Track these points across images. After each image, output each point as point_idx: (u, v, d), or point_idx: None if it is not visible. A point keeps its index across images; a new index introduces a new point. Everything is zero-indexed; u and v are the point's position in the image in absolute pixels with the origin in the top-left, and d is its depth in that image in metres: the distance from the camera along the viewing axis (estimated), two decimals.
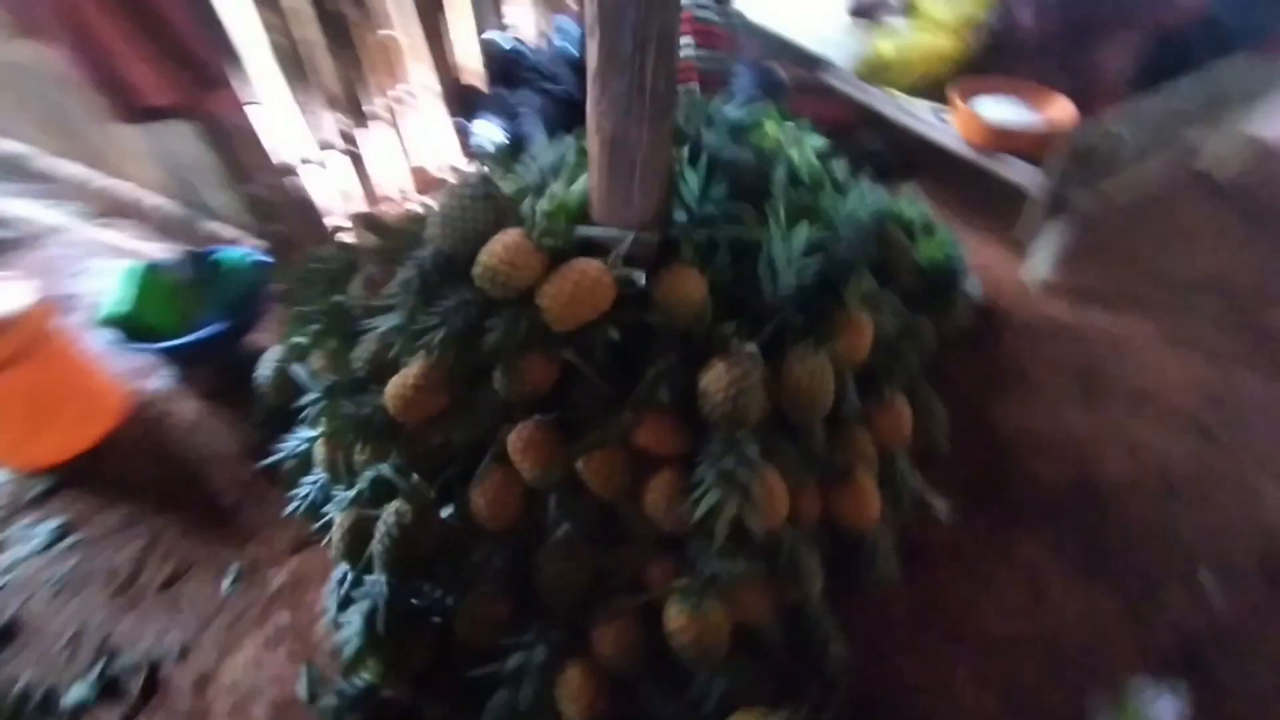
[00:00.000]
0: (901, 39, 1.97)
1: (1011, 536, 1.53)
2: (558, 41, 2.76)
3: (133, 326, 1.84)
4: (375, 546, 1.23)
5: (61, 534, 1.70)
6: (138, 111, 1.64)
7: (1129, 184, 1.92)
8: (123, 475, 1.84)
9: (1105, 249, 2.27)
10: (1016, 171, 1.84)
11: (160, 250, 2.29)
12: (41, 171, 2.70)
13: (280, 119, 2.15)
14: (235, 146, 1.89)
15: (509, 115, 2.64)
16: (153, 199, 2.39)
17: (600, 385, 1.22)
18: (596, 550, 1.27)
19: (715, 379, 1.16)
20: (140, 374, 2.04)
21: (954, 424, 1.72)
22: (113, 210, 2.59)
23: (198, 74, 1.63)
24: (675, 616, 1.16)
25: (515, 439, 1.23)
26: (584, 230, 1.20)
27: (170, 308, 1.97)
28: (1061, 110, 1.81)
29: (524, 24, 2.95)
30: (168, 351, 1.88)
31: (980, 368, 1.91)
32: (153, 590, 1.56)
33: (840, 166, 1.54)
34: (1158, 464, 1.65)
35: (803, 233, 1.28)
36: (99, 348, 1.94)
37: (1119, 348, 1.93)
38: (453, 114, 2.75)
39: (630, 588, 1.26)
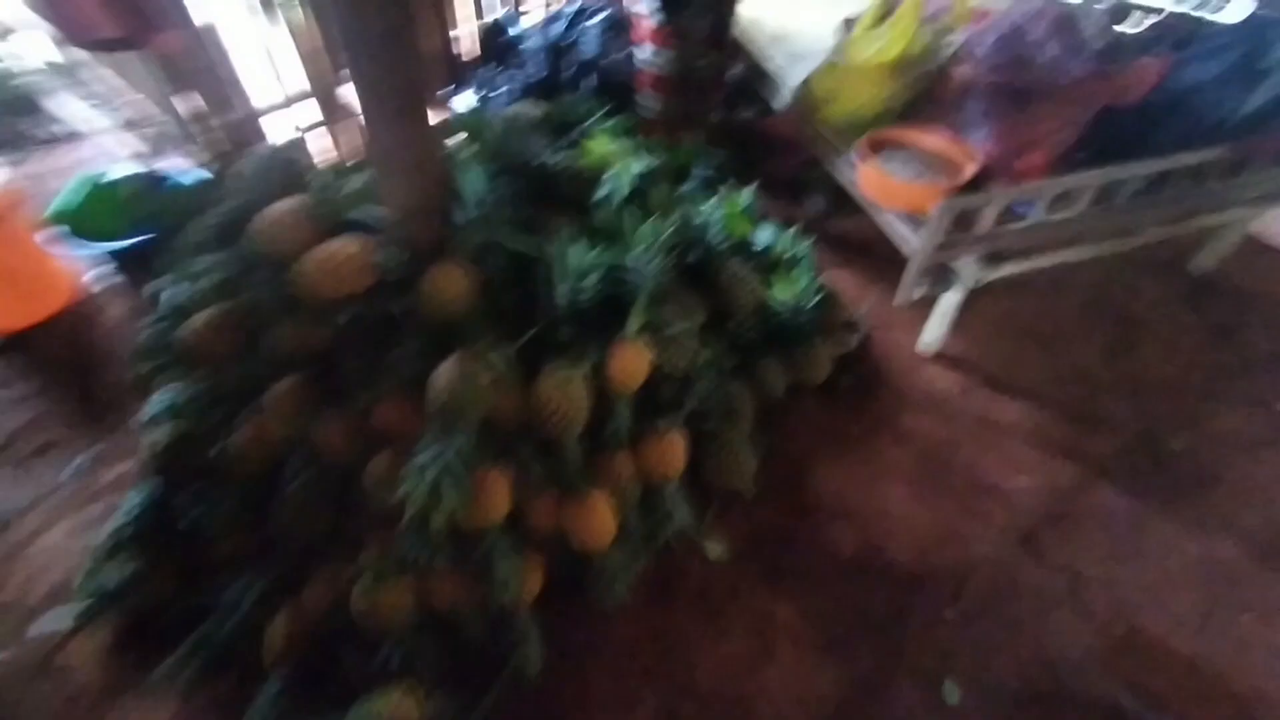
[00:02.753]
0: (838, 75, 1.89)
1: (769, 595, 1.50)
2: (555, 25, 2.81)
3: (78, 227, 2.06)
4: (146, 455, 1.38)
5: None
6: (90, 42, 1.84)
7: (1034, 262, 1.79)
8: (47, 354, 2.10)
9: (1005, 325, 2.13)
10: (897, 231, 1.75)
11: (162, 163, 2.55)
12: (90, 79, 3.05)
13: (254, 66, 2.32)
14: (192, 81, 2.07)
15: (482, 91, 2.74)
16: (159, 116, 2.65)
17: (348, 359, 1.30)
18: (326, 510, 1.36)
19: (442, 373, 1.21)
20: (89, 273, 2.30)
21: (774, 472, 1.70)
22: (135, 121, 2.89)
23: (141, 14, 1.81)
24: (359, 588, 1.24)
25: (273, 392, 1.34)
26: (357, 211, 1.27)
27: (119, 216, 2.19)
28: (967, 173, 1.70)
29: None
30: (109, 254, 2.10)
31: (829, 422, 1.86)
32: (17, 459, 1.79)
33: (663, 191, 1.53)
34: (960, 565, 1.55)
35: (581, 251, 1.30)
36: (56, 243, 2.20)
37: (982, 435, 1.81)
38: (441, 83, 2.86)
39: (351, 550, 1.35)
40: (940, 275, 1.78)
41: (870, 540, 1.59)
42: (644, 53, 2.17)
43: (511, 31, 2.81)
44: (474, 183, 1.27)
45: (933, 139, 1.80)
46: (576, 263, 1.29)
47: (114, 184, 2.20)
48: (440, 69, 2.82)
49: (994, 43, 1.72)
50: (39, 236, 2.10)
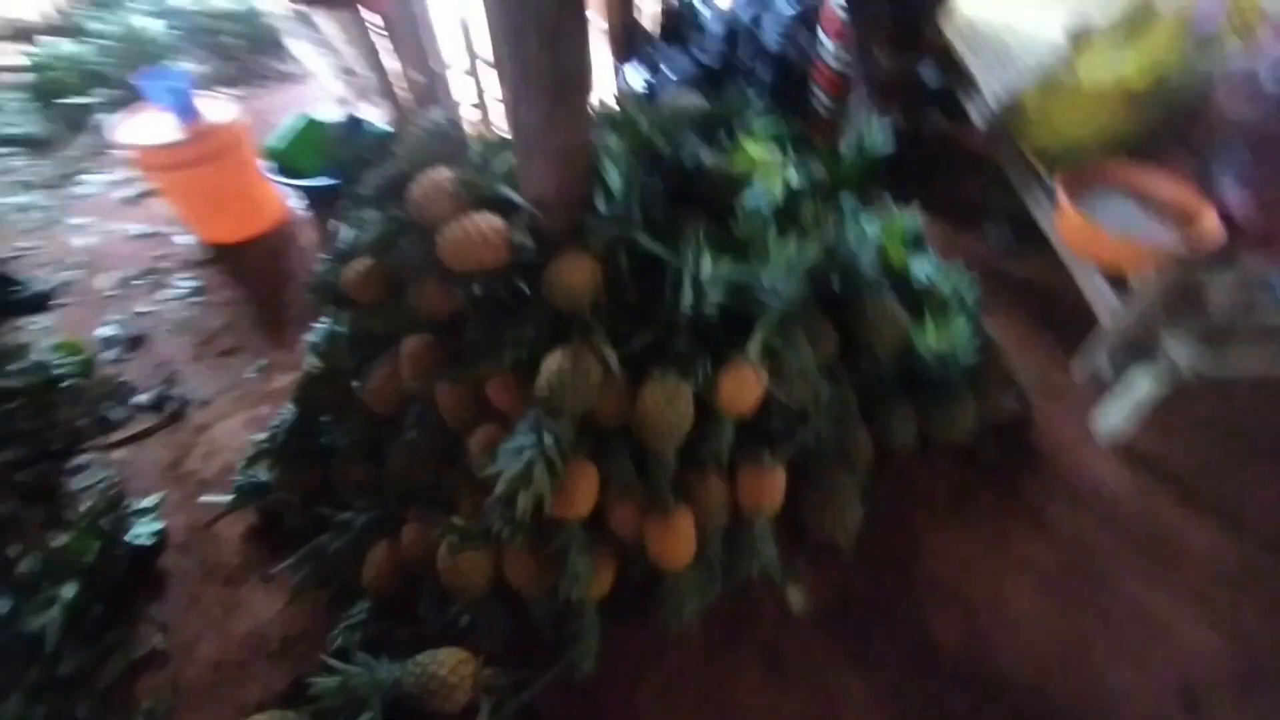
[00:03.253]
0: (1061, 94, 1.60)
1: (845, 664, 1.37)
2: (735, 9, 2.69)
3: (285, 163, 2.35)
4: (300, 378, 1.55)
5: (195, 291, 2.34)
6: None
7: (1259, 354, 1.41)
8: (248, 268, 2.45)
9: (1218, 428, 1.71)
10: (1095, 288, 1.46)
11: (362, 110, 2.84)
12: (318, 24, 3.45)
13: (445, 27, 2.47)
14: (393, 40, 2.25)
15: (654, 69, 2.70)
16: (363, 68, 2.93)
17: (475, 329, 1.35)
18: (433, 464, 1.45)
19: (549, 363, 1.22)
20: (291, 202, 2.62)
21: (883, 533, 1.55)
22: (349, 70, 3.23)
23: None
24: (444, 545, 1.30)
25: (405, 346, 1.43)
26: (505, 189, 1.30)
27: (319, 156, 2.46)
28: (1204, 233, 1.37)
29: None
30: (303, 189, 2.39)
31: (961, 492, 1.64)
32: (213, 354, 2.11)
33: (816, 206, 1.39)
34: (1088, 699, 1.30)
35: (708, 263, 1.23)
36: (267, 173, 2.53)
37: (1156, 556, 1.48)
38: (615, 54, 2.88)
39: (449, 507, 1.42)
40: (1141, 351, 1.48)
41: (980, 638, 1.40)
42: (826, 47, 2.00)
43: (697, 11, 2.73)
44: (616, 177, 1.24)
45: (1164, 184, 1.48)
46: (705, 273, 1.22)
47: (320, 125, 2.46)
48: (617, 42, 2.83)
49: None
50: (257, 165, 2.42)
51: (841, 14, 1.79)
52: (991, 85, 1.92)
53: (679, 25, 2.79)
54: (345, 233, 1.62)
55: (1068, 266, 1.52)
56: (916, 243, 1.80)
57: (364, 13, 2.24)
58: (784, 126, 1.51)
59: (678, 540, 1.31)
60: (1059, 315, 1.63)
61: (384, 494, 1.48)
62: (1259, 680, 1.31)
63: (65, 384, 2.02)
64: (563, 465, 1.21)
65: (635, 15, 2.82)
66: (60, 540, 1.58)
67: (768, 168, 1.34)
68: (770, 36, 2.43)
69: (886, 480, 1.61)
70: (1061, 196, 1.46)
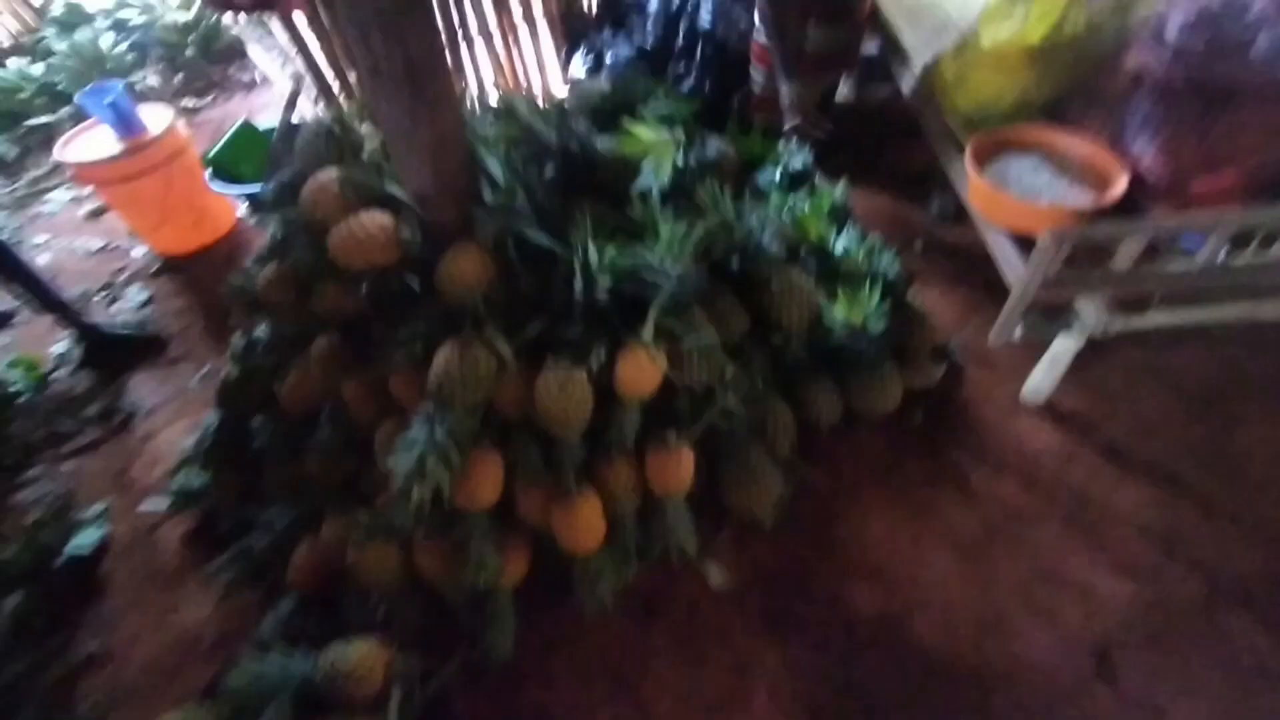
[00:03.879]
0: (968, 56, 1.56)
1: (763, 638, 1.38)
2: None
3: (227, 171, 2.37)
4: (217, 388, 1.58)
5: (146, 303, 2.38)
6: (222, 5, 2.06)
7: (1193, 314, 1.38)
8: (197, 277, 2.47)
9: (1145, 382, 1.69)
10: (1002, 253, 1.44)
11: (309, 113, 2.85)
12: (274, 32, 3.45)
13: None
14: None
15: (598, 56, 2.68)
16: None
17: (375, 326, 1.36)
18: (348, 461, 1.46)
19: (439, 357, 1.23)
20: (240, 211, 2.64)
21: (804, 508, 1.55)
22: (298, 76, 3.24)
23: None
24: (352, 540, 1.32)
25: (315, 347, 1.45)
26: (391, 187, 1.30)
27: (259, 162, 2.48)
28: (1115, 192, 1.33)
29: None
30: (246, 196, 2.40)
31: (884, 463, 1.63)
32: (161, 364, 2.14)
33: (711, 186, 1.38)
34: (1000, 665, 1.29)
35: (599, 248, 1.23)
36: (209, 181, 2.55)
37: (1078, 516, 1.47)
38: (560, 43, 2.85)
39: (363, 502, 1.44)
40: (1055, 314, 1.46)
41: (895, 607, 1.39)
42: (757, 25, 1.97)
43: None
44: (498, 166, 1.24)
45: (1076, 144, 1.44)
46: (594, 259, 1.22)
47: (258, 131, 2.48)
48: (561, 30, 2.80)
49: (1190, 23, 1.31)
50: (202, 175, 2.44)
51: None
52: (923, 55, 1.88)
53: (620, 10, 2.75)
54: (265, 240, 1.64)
55: (980, 232, 1.49)
56: (841, 216, 1.78)
57: (296, 16, 2.25)
58: (684, 108, 1.49)
59: (583, 523, 1.32)
60: (995, 283, 1.61)
61: (305, 492, 1.51)
62: (1172, 636, 1.30)
63: (20, 400, 2.06)
64: (459, 457, 1.22)
65: (580, 3, 2.79)
66: (5, 553, 1.62)
67: (660, 150, 1.33)
68: (706, 17, 2.40)
69: (812, 455, 1.61)
70: (968, 160, 1.43)
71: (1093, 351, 1.53)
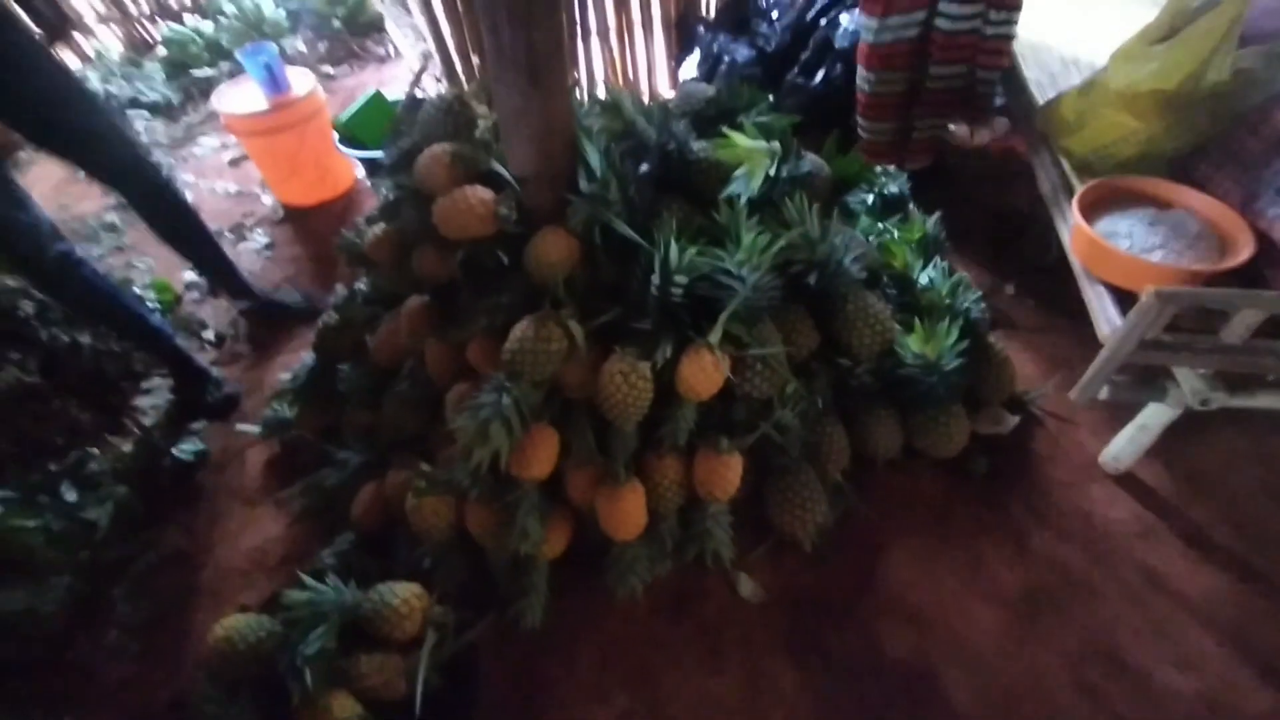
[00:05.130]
0: (1093, 96, 1.48)
1: (783, 658, 1.36)
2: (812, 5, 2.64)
3: (352, 136, 2.57)
4: (316, 332, 1.73)
5: (267, 246, 2.62)
6: None
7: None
8: (314, 228, 2.70)
9: (1241, 467, 1.55)
10: (1098, 306, 1.35)
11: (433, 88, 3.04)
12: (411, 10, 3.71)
13: None
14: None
15: (712, 60, 2.71)
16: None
17: (463, 294, 1.45)
18: (420, 415, 1.57)
19: (515, 330, 1.30)
20: (359, 172, 2.86)
21: (848, 537, 1.53)
22: (428, 51, 3.46)
23: None
24: (412, 490, 1.42)
25: (406, 305, 1.56)
26: (496, 165, 1.39)
27: (382, 130, 2.67)
28: (1236, 260, 1.23)
29: None
30: (366, 160, 2.59)
31: (939, 507, 1.57)
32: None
33: (801, 202, 1.38)
34: None
35: (681, 247, 1.27)
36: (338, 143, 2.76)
37: (1144, 600, 1.36)
38: (673, 43, 2.91)
39: (428, 457, 1.54)
40: (1150, 379, 1.37)
41: (928, 655, 1.35)
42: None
43: (760, 2, 2.70)
44: (597, 158, 1.29)
45: (1201, 202, 1.35)
46: (673, 257, 1.26)
47: (385, 102, 2.66)
48: (676, 32, 2.85)
49: None
50: (331, 137, 2.65)
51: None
52: (1045, 90, 1.81)
53: (743, 14, 2.77)
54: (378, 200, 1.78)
55: (1078, 282, 1.42)
56: (931, 249, 1.74)
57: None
58: (784, 121, 1.50)
59: (626, 513, 1.36)
60: (1092, 339, 1.54)
61: (377, 439, 1.63)
62: None
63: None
64: (521, 427, 1.29)
65: (697, 6, 2.83)
66: (124, 447, 1.84)
67: (755, 159, 1.35)
68: (843, 36, 2.36)
69: (863, 486, 1.58)
70: (1076, 206, 1.36)
71: (1187, 425, 1.41)
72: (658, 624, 1.44)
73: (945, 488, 1.60)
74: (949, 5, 1.74)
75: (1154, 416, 1.41)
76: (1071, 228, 1.39)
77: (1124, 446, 1.51)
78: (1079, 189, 1.41)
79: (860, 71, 1.94)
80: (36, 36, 1.67)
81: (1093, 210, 1.40)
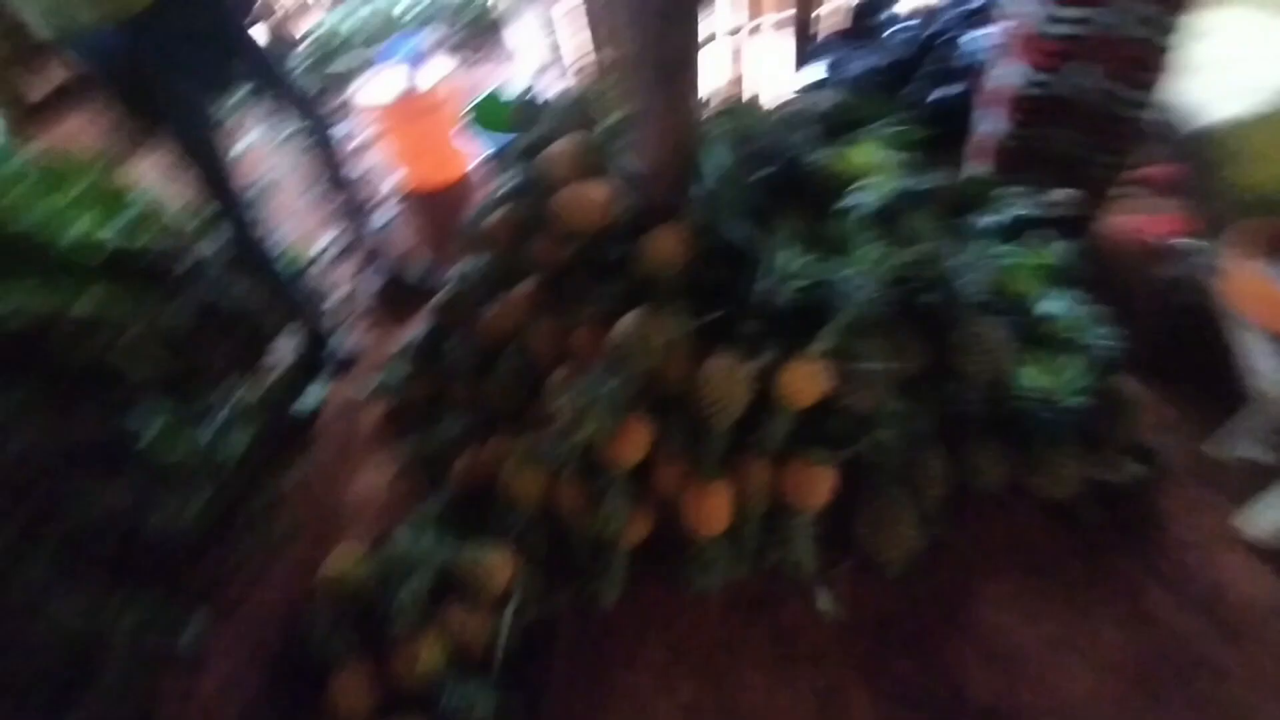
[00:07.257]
0: (1266, 129, 1.34)
1: (857, 678, 1.33)
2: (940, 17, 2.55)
3: (480, 123, 2.72)
4: (436, 302, 1.86)
5: (390, 222, 2.83)
6: None
7: None
8: (435, 210, 2.88)
9: None
10: (1251, 353, 1.22)
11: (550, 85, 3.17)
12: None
13: None
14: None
15: (834, 67, 2.67)
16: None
17: (574, 281, 1.52)
18: (521, 392, 1.65)
19: (623, 321, 1.35)
20: (480, 158, 3.02)
21: (939, 566, 1.48)
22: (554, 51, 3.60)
23: None
24: (510, 461, 1.50)
25: (520, 286, 1.65)
26: (618, 162, 1.44)
27: (502, 123, 2.81)
28: None
29: None
30: (488, 149, 2.74)
31: (1043, 550, 1.48)
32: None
33: (923, 219, 1.33)
34: None
35: (792, 255, 1.27)
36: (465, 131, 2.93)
37: (1259, 689, 1.23)
38: (799, 49, 2.88)
39: (527, 429, 1.62)
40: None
41: (1014, 705, 1.28)
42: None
43: (882, 14, 2.64)
44: (714, 161, 1.31)
45: None
46: (783, 264, 1.26)
47: (505, 96, 2.81)
48: (800, 39, 2.83)
49: None
50: (456, 126, 2.83)
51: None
52: (1212, 113, 1.66)
53: (871, 24, 2.71)
54: (500, 186, 1.89)
55: (1226, 324, 1.29)
56: (1060, 279, 1.64)
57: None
58: (912, 134, 1.46)
59: (711, 511, 1.37)
60: (1230, 386, 1.40)
61: (479, 409, 1.72)
62: None
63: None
64: (618, 414, 1.34)
65: (816, 14, 2.80)
66: (259, 389, 2.05)
67: (878, 171, 1.33)
68: (969, 52, 2.28)
69: (961, 516, 1.51)
70: (1236, 244, 1.25)
71: None
72: (730, 625, 1.45)
73: (1051, 532, 1.50)
74: None
75: None
76: (1226, 267, 1.27)
77: (1265, 512, 1.37)
78: (1243, 226, 1.29)
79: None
80: None
81: (1257, 251, 1.28)
